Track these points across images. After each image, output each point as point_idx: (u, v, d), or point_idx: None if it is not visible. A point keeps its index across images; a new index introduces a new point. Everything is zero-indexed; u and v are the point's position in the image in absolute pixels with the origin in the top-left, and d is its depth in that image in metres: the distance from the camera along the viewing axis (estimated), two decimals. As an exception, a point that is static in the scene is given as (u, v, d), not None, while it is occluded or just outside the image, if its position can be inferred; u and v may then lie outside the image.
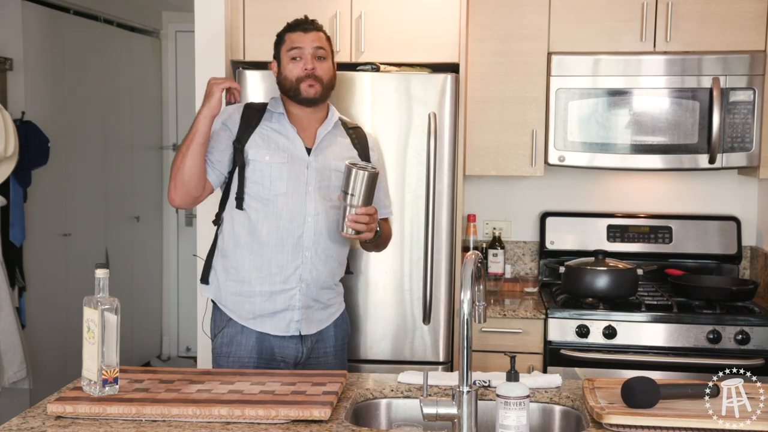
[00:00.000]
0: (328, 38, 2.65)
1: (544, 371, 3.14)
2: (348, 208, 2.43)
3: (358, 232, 2.46)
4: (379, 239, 2.62)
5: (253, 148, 2.55)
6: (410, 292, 3.10)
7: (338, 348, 2.68)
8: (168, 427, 1.82)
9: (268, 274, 2.52)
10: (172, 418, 1.86)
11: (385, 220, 2.75)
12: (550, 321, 3.17)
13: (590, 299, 3.25)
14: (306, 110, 2.61)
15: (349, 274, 2.81)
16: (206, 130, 2.45)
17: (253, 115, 2.61)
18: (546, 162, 3.42)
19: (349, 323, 2.77)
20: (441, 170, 3.06)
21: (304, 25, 2.62)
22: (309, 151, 2.58)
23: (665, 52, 3.35)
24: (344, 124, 2.72)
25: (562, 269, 3.33)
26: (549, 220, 3.72)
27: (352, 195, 2.42)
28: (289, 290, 2.53)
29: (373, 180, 2.43)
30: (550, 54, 3.39)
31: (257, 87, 3.09)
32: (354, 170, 2.40)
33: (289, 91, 2.58)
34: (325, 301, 2.62)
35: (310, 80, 2.55)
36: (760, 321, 3.09)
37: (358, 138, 2.69)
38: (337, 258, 2.62)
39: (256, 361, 2.54)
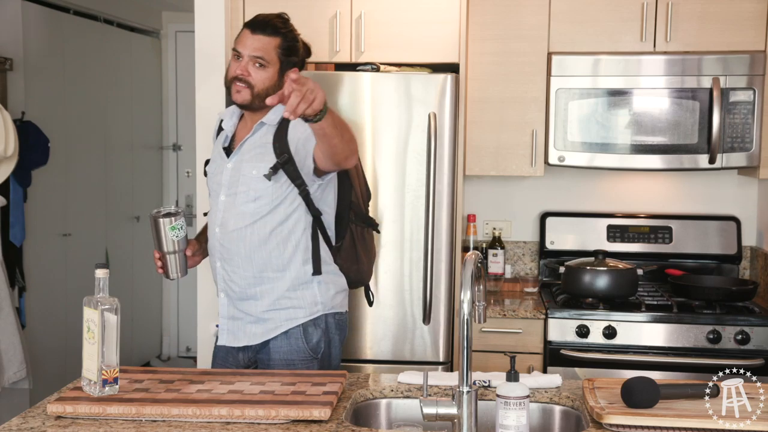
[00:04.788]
0: (286, 46, 2.43)
1: (544, 371, 3.14)
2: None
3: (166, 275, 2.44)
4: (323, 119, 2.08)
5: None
6: (410, 292, 3.10)
7: (280, 366, 2.42)
8: (168, 427, 1.82)
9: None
10: (172, 418, 1.85)
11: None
12: (550, 321, 3.17)
13: (590, 299, 3.25)
14: (247, 111, 2.49)
15: (317, 274, 2.46)
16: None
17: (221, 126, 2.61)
18: (546, 162, 3.42)
19: (304, 343, 2.43)
20: (441, 170, 3.06)
21: (256, 24, 2.43)
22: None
23: (665, 52, 3.35)
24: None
25: (562, 269, 3.33)
26: (549, 220, 3.72)
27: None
28: (218, 299, 2.53)
29: (155, 223, 2.38)
30: (550, 54, 3.39)
31: (257, 87, 3.09)
32: (150, 219, 2.41)
33: (227, 90, 2.49)
34: (258, 315, 2.43)
35: (239, 84, 2.40)
36: (760, 321, 3.09)
37: (280, 126, 2.41)
38: (254, 269, 2.40)
39: (216, 359, 2.54)
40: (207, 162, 2.61)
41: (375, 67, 3.16)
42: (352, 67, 3.20)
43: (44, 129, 4.20)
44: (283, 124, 2.40)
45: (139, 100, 5.56)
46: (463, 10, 3.16)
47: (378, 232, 2.80)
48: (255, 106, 2.42)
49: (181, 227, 2.39)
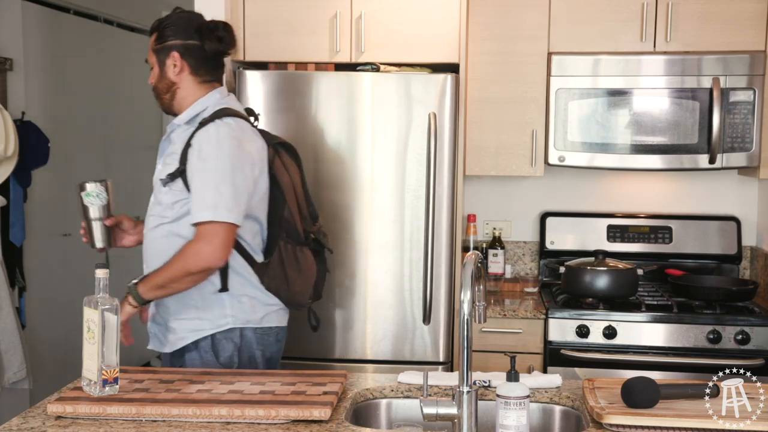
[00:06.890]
0: (157, 40, 2.39)
1: (544, 371, 3.14)
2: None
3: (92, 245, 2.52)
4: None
5: None
6: (410, 293, 3.09)
7: None
8: (168, 427, 1.82)
9: None
10: (172, 418, 1.86)
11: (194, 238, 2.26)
12: (550, 321, 3.17)
13: (590, 299, 3.25)
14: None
15: (224, 291, 2.36)
16: None
17: None
18: (546, 162, 3.42)
19: (214, 357, 2.36)
20: (441, 170, 3.06)
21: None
22: None
23: (665, 52, 3.35)
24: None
25: (562, 269, 3.33)
26: (549, 220, 3.72)
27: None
28: None
29: (78, 192, 2.44)
30: (550, 54, 3.39)
31: (257, 87, 3.09)
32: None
33: None
34: (166, 323, 2.43)
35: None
36: (760, 321, 3.09)
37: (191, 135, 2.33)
38: None
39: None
40: None
41: (375, 67, 3.16)
42: (352, 67, 3.19)
43: (44, 129, 4.20)
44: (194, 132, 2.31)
45: (139, 100, 5.55)
46: (463, 10, 3.16)
47: (330, 251, 2.66)
48: (164, 107, 2.47)
49: (96, 195, 2.46)
